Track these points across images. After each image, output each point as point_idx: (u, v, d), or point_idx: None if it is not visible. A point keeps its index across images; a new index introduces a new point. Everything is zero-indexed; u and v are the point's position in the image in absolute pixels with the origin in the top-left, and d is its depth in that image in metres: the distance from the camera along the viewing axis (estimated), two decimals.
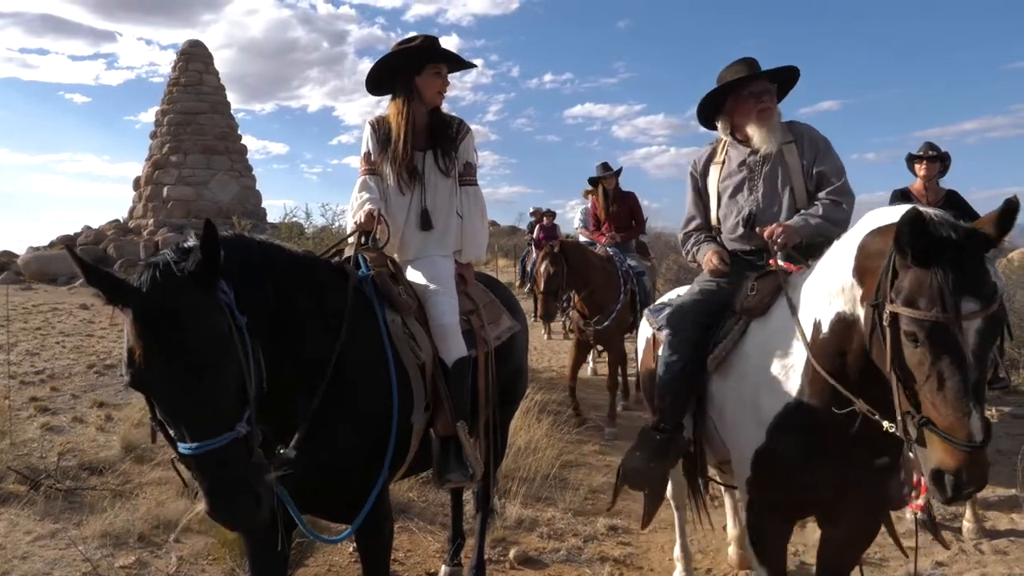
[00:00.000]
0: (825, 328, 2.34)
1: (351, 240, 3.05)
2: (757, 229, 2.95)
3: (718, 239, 3.23)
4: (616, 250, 7.44)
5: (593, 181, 7.96)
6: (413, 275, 3.15)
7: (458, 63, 3.35)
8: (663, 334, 3.14)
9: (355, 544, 2.90)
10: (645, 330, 3.64)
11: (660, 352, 3.16)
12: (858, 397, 2.22)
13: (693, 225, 3.33)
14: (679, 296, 3.34)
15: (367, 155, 3.28)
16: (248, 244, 2.36)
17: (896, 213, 2.02)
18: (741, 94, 3.09)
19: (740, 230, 3.10)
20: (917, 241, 1.89)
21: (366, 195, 3.15)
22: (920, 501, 2.08)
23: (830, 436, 2.38)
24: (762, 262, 2.97)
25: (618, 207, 7.82)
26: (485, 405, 3.23)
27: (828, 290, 2.34)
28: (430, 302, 3.02)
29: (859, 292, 2.17)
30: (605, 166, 7.83)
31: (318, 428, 2.45)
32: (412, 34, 3.26)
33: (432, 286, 3.07)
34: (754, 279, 2.84)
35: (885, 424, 2.11)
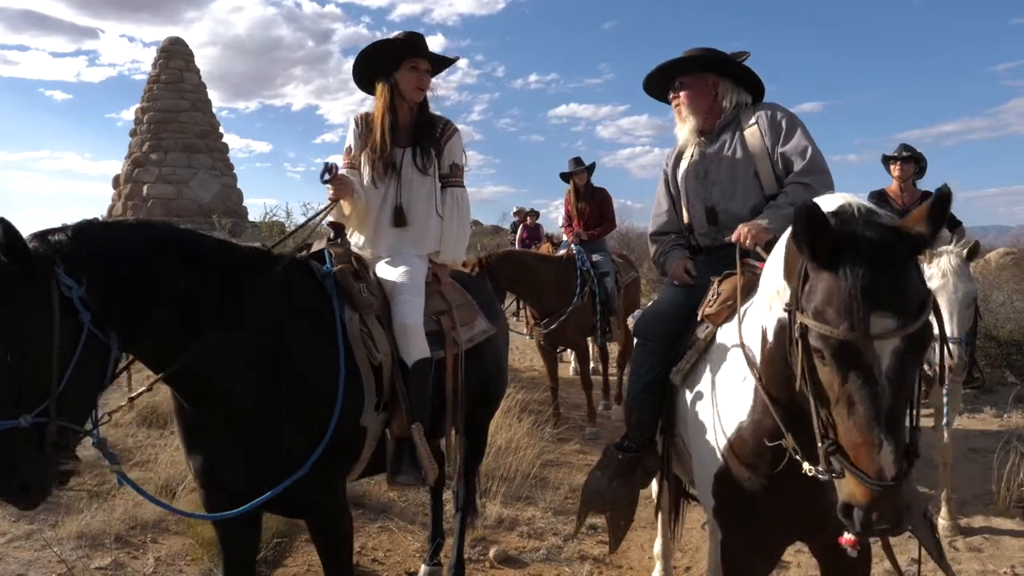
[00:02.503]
0: (771, 337, 2.05)
1: (325, 222, 3.07)
2: (729, 238, 2.68)
3: (691, 240, 3.07)
4: (580, 248, 7.27)
5: (565, 176, 7.83)
6: (384, 271, 3.12)
7: (437, 61, 3.33)
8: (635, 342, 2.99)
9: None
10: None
11: (631, 362, 3.00)
12: (791, 431, 1.98)
13: (660, 225, 3.18)
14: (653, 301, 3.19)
15: (348, 149, 3.30)
16: (146, 233, 2.33)
17: (835, 201, 1.78)
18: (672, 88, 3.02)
19: (705, 226, 2.96)
20: (817, 239, 1.64)
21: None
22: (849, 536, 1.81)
23: (792, 460, 2.05)
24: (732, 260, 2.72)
25: (588, 204, 7.64)
26: (454, 407, 3.19)
27: (767, 294, 2.07)
28: (395, 300, 2.99)
29: (787, 297, 1.88)
30: (577, 161, 7.69)
31: (260, 424, 2.45)
32: (395, 21, 3.31)
33: (400, 284, 3.04)
34: (717, 282, 2.65)
35: (805, 466, 1.86)
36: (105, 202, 31.73)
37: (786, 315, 1.88)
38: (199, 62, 31.80)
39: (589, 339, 7.33)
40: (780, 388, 2.03)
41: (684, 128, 2.99)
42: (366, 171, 3.21)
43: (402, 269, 3.10)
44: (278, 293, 2.57)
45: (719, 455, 2.30)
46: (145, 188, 29.54)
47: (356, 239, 3.26)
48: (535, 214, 13.97)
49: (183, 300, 2.30)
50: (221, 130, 32.12)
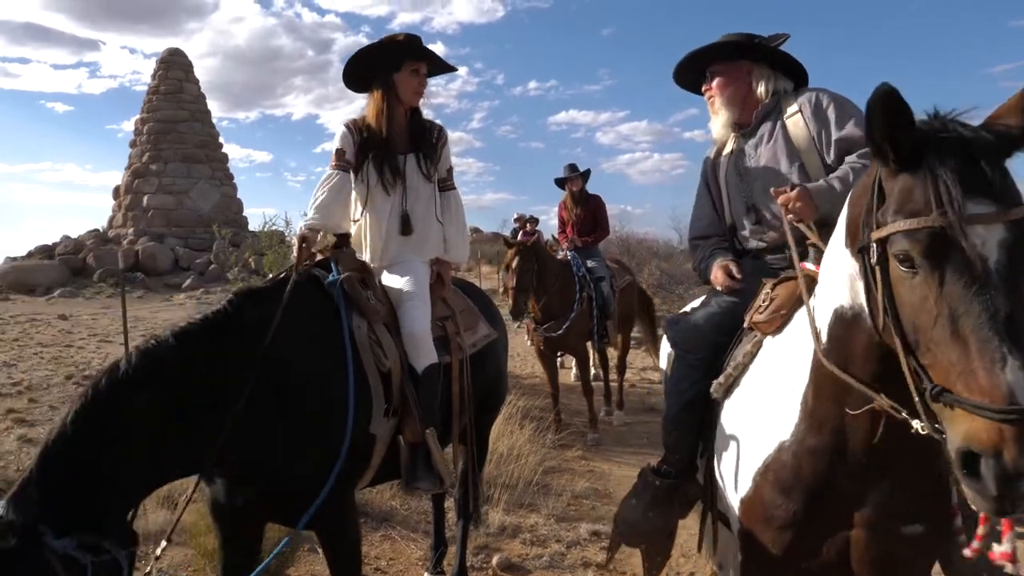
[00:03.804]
0: (824, 338, 1.79)
1: (328, 241, 3.04)
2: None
3: (735, 243, 2.79)
4: (574, 254, 7.28)
5: (560, 182, 7.83)
6: (389, 279, 3.12)
7: (438, 65, 3.30)
8: (673, 354, 2.72)
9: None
10: (666, 345, 3.05)
11: (668, 377, 2.75)
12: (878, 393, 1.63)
13: (700, 229, 2.89)
14: (693, 308, 2.90)
15: (340, 151, 3.14)
16: (100, 412, 2.15)
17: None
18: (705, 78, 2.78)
19: (748, 227, 2.69)
20: (899, 129, 1.38)
21: (322, 197, 3.05)
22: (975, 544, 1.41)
23: (833, 489, 1.84)
24: (783, 264, 2.40)
25: (582, 211, 7.63)
26: (460, 412, 3.19)
27: (826, 279, 1.81)
28: (402, 308, 2.98)
29: (850, 260, 1.61)
30: (572, 167, 7.69)
31: (267, 435, 2.43)
32: (396, 31, 3.22)
33: (407, 292, 3.03)
34: (770, 286, 2.31)
35: (915, 424, 1.46)
36: (106, 213, 31.82)
37: (845, 302, 1.67)
38: (200, 73, 31.97)
39: (588, 344, 7.32)
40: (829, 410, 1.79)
41: (717, 122, 2.76)
42: (373, 178, 3.14)
43: (408, 277, 3.09)
44: (280, 325, 2.50)
45: (753, 476, 2.05)
46: (145, 199, 29.60)
47: (362, 251, 3.23)
48: (535, 220, 13.97)
49: (178, 437, 2.26)
50: (221, 140, 32.28)
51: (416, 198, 3.20)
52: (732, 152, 2.75)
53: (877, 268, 1.46)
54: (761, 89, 2.66)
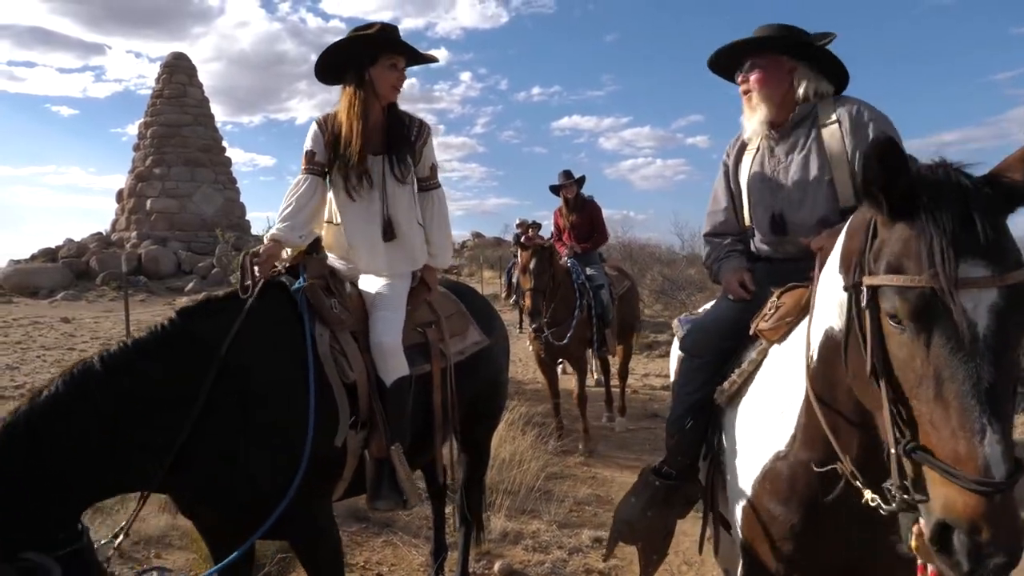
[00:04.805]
0: (815, 354, 1.79)
1: (293, 253, 2.90)
2: (803, 240, 2.33)
3: (750, 246, 2.70)
4: (574, 261, 7.22)
5: (554, 189, 7.73)
6: (366, 283, 3.00)
7: (416, 56, 3.05)
8: (680, 356, 2.69)
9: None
10: (676, 348, 3.00)
11: (675, 379, 2.73)
12: (847, 454, 1.70)
13: (716, 225, 2.77)
14: (706, 310, 2.88)
15: (310, 153, 2.95)
16: (31, 458, 2.16)
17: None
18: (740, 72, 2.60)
19: (769, 235, 2.58)
20: (893, 180, 1.36)
21: (289, 209, 2.89)
22: None
23: (829, 502, 1.82)
24: (798, 274, 2.27)
25: (578, 217, 7.56)
26: (443, 422, 3.06)
27: (820, 299, 1.79)
28: (373, 316, 2.86)
29: (844, 283, 1.57)
30: (566, 174, 7.60)
31: (228, 443, 2.39)
32: (370, 21, 3.00)
33: (380, 298, 2.90)
34: (777, 294, 2.28)
35: (867, 495, 1.53)
36: (109, 216, 31.90)
37: (835, 323, 1.66)
38: (204, 77, 32.20)
39: (588, 352, 7.27)
40: (830, 413, 1.77)
41: (753, 118, 2.56)
42: (339, 182, 2.94)
43: (384, 282, 2.97)
44: (241, 332, 2.47)
45: (751, 486, 2.06)
46: (148, 202, 29.67)
47: (339, 258, 3.09)
48: (537, 226, 13.97)
49: (113, 462, 2.25)
50: (224, 144, 32.36)
51: (396, 203, 2.99)
52: (759, 152, 2.61)
53: (866, 312, 1.44)
54: (802, 90, 2.51)
